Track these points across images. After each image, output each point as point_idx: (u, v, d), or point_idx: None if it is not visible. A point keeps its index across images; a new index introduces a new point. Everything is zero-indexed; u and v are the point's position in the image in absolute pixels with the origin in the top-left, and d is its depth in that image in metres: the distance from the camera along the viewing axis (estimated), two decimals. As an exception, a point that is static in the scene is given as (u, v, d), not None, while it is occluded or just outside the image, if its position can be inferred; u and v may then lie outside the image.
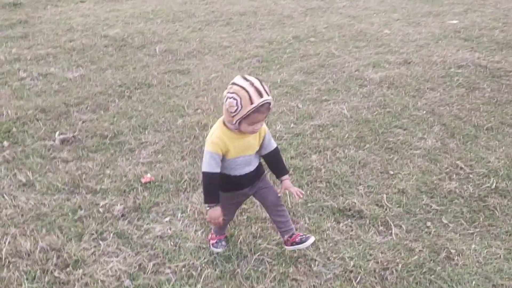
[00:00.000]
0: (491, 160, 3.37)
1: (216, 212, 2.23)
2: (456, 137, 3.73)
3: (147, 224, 2.77)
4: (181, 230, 2.72)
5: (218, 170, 2.18)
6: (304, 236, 2.36)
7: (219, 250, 2.53)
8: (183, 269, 2.41)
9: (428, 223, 2.76)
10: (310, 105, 4.43)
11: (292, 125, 4.04)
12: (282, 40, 6.48)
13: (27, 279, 2.31)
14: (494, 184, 3.09)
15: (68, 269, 2.38)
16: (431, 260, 2.46)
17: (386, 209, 2.89)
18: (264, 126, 2.26)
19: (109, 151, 3.57)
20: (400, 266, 2.40)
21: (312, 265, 2.44)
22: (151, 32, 6.79)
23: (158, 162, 3.44)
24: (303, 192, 2.39)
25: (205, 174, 2.18)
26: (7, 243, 2.54)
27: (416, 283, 2.31)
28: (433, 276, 2.35)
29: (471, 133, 3.77)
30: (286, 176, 2.39)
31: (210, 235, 2.60)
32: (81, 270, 2.38)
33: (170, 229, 2.73)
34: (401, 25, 7.09)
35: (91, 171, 3.28)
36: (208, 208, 2.26)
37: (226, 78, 5.11)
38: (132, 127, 3.95)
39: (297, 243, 2.35)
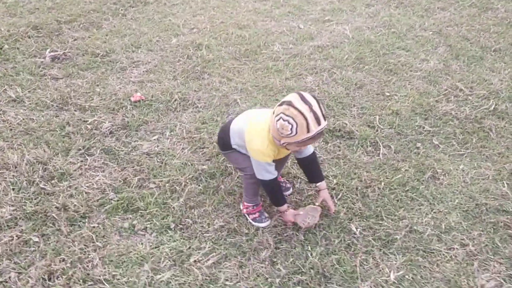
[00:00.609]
0: (494, 82, 3.23)
1: (289, 215, 2.13)
2: (460, 58, 3.56)
3: (135, 141, 2.76)
4: (168, 148, 2.71)
5: (276, 174, 2.05)
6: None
7: (264, 224, 2.20)
8: (167, 184, 2.43)
9: (418, 144, 2.70)
10: (311, 26, 4.24)
11: (290, 45, 3.89)
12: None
13: (13, 189, 2.35)
14: (493, 106, 2.98)
15: (53, 181, 2.41)
16: (415, 179, 2.43)
17: (377, 130, 2.82)
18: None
19: (100, 69, 3.50)
20: (382, 184, 2.38)
21: (295, 183, 2.43)
22: None
23: (149, 81, 3.37)
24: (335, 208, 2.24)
25: (267, 182, 2.04)
26: (-6, 155, 2.56)
27: (397, 200, 2.30)
28: (415, 194, 2.33)
29: (477, 55, 3.59)
30: (324, 184, 2.19)
31: (244, 208, 2.25)
32: (66, 183, 2.41)
33: (157, 146, 2.72)
34: None
35: (80, 89, 3.23)
36: (279, 214, 2.17)
37: (226, -3, 4.88)
38: (124, 45, 3.84)
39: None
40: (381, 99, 3.14)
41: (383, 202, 2.29)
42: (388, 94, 3.18)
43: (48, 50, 3.72)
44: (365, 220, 2.20)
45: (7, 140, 2.71)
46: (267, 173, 2.03)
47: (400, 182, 2.40)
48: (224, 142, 2.18)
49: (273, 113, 1.89)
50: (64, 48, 3.77)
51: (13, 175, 2.43)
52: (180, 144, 2.75)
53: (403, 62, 3.54)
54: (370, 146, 2.70)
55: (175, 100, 3.14)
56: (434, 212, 2.24)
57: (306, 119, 1.78)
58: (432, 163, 2.53)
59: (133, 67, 3.57)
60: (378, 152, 2.66)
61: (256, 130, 2.01)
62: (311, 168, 2.19)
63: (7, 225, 2.15)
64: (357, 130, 2.81)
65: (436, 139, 2.74)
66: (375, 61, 3.57)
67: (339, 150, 2.67)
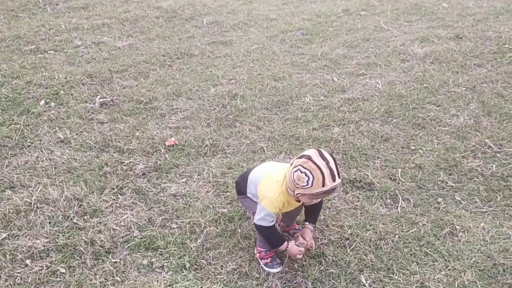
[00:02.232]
0: (524, 140, 3.17)
1: (293, 249, 2.21)
2: (492, 115, 3.53)
3: (164, 183, 2.95)
4: (194, 191, 2.87)
5: (273, 223, 2.17)
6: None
7: (276, 270, 2.26)
8: (188, 225, 2.56)
9: (439, 199, 2.68)
10: (345, 79, 4.37)
11: (321, 97, 4.02)
12: (331, 13, 6.35)
13: (49, 222, 2.57)
14: (522, 165, 2.92)
15: (85, 217, 2.62)
16: (432, 234, 2.41)
17: (398, 183, 2.84)
18: None
19: (141, 115, 3.78)
20: (397, 237, 2.38)
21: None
22: (202, 4, 6.93)
23: (184, 127, 3.60)
24: (314, 248, 2.31)
25: (263, 229, 2.15)
26: (38, 190, 2.82)
27: (411, 255, 2.29)
28: (430, 249, 2.31)
29: (511, 112, 3.55)
30: (311, 226, 2.30)
31: (257, 252, 2.32)
32: (97, 219, 2.61)
33: (184, 189, 2.89)
34: (462, -2, 6.66)
35: (122, 133, 3.51)
36: (285, 251, 2.24)
37: (266, 50, 5.15)
38: (167, 94, 4.14)
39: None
40: (405, 153, 3.16)
41: (396, 255, 2.29)
42: (413, 147, 3.21)
43: (98, 96, 4.08)
44: (375, 272, 2.21)
45: (51, 177, 2.98)
46: (265, 221, 2.13)
47: (415, 236, 2.39)
48: (240, 188, 2.31)
49: (291, 164, 2.03)
50: (112, 95, 4.11)
51: (51, 210, 2.67)
52: (205, 187, 2.90)
53: (432, 117, 3.56)
54: (389, 198, 2.72)
55: (206, 146, 3.33)
56: (449, 269, 2.21)
57: (322, 173, 1.92)
58: (452, 219, 2.51)
59: (172, 114, 3.82)
60: (396, 205, 2.67)
61: (271, 181, 2.16)
62: (314, 212, 2.32)
63: (39, 256, 2.35)
64: (378, 182, 2.85)
65: (458, 195, 2.71)
66: (404, 115, 3.62)
67: (358, 201, 2.71)
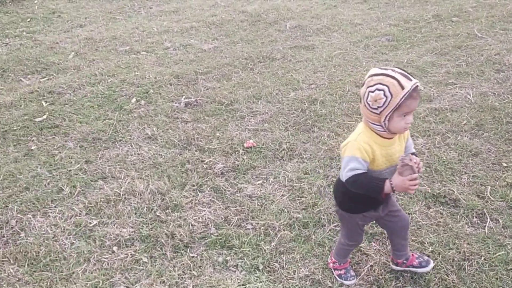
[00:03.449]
0: None
1: (399, 181, 1.77)
2: None
3: (241, 183, 3.02)
4: (269, 193, 2.90)
5: (362, 169, 1.80)
6: (423, 260, 2.19)
7: (350, 282, 2.18)
8: (262, 227, 2.60)
9: (533, 223, 2.48)
10: (432, 88, 4.18)
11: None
12: (420, 19, 6.11)
13: (135, 213, 2.74)
14: None
15: (167, 211, 2.76)
16: (523, 260, 2.23)
17: (487, 201, 2.67)
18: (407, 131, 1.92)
19: (222, 116, 3.90)
20: (482, 259, 2.24)
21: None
22: (286, 9, 6.99)
23: (263, 130, 3.65)
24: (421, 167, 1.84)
25: (354, 178, 1.78)
26: (126, 183, 3.02)
27: (497, 279, 2.14)
28: (519, 276, 2.14)
29: None
30: None
31: (331, 262, 2.26)
32: (177, 214, 2.73)
33: (260, 191, 2.93)
34: None
35: (204, 132, 3.64)
36: (387, 191, 1.82)
37: (348, 56, 5.08)
38: (247, 96, 4.23)
39: (415, 267, 2.18)
40: (496, 169, 2.95)
41: (480, 278, 2.15)
42: (505, 164, 2.99)
43: (183, 96, 4.27)
44: (457, 294, 2.09)
45: (138, 171, 3.18)
46: (353, 171, 1.77)
47: (503, 259, 2.23)
48: (335, 196, 2.13)
49: (362, 98, 1.79)
50: (196, 96, 4.29)
51: (137, 201, 2.84)
52: (281, 191, 2.92)
53: (529, 132, 3.29)
54: (476, 217, 2.56)
55: (283, 150, 3.35)
56: (541, 300, 2.03)
57: (394, 77, 1.68)
58: (547, 245, 2.31)
59: (251, 116, 3.90)
60: (484, 224, 2.50)
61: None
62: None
63: (125, 244, 2.52)
64: (464, 199, 2.69)
65: (556, 220, 2.49)
66: (496, 129, 3.38)
67: (441, 217, 2.58)
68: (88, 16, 7.04)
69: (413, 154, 1.90)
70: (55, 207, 2.83)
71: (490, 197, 2.70)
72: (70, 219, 2.71)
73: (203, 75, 4.79)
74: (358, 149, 1.78)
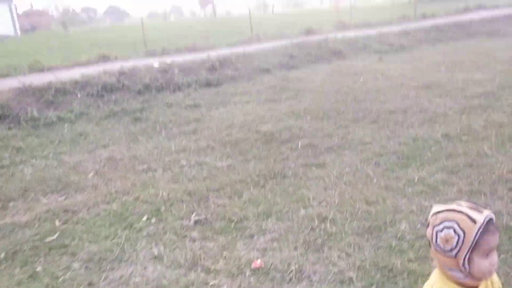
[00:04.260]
0: None
1: None
2: None
3: (246, 308, 2.87)
4: (275, 320, 2.74)
5: None
6: None
7: None
8: None
9: None
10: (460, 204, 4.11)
11: (418, 225, 3.80)
12: (429, 137, 6.25)
13: None
14: None
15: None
16: None
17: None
18: (496, 277, 1.70)
19: (231, 234, 3.87)
20: None
21: None
22: (298, 128, 7.28)
23: (272, 249, 3.58)
24: None
25: None
26: (126, 305, 2.92)
27: None
28: None
29: None
30: None
31: None
32: None
33: (265, 316, 2.78)
34: None
35: (211, 251, 3.59)
36: None
37: (359, 173, 5.13)
38: (257, 213, 4.23)
39: None
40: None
41: None
42: (528, 290, 2.80)
43: (193, 214, 4.30)
44: None
45: (141, 293, 3.08)
46: None
47: None
48: None
49: (431, 241, 1.62)
50: (207, 213, 4.31)
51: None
52: (288, 318, 2.76)
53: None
54: None
55: (291, 271, 3.24)
56: None
57: (462, 211, 1.52)
58: None
59: (261, 234, 3.85)
60: None
61: None
62: None
63: None
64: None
65: None
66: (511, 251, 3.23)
67: None
68: (112, 137, 7.45)
69: None
70: (50, 332, 2.71)
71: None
72: None
73: (215, 192, 4.86)
74: None
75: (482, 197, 4.23)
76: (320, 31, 17.79)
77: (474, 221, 1.50)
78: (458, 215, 1.53)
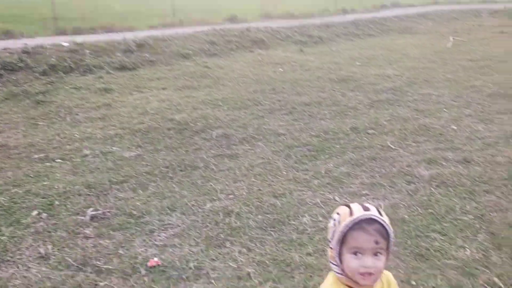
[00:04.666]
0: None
1: None
2: (503, 249, 3.25)
3: (137, 311, 2.70)
4: (167, 322, 2.60)
5: None
6: None
7: None
8: None
9: None
10: (347, 199, 4.22)
11: (320, 218, 3.84)
12: (339, 130, 6.41)
13: None
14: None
15: None
16: None
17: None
18: (393, 279, 1.65)
19: (130, 230, 3.65)
20: None
21: None
22: (214, 118, 7.13)
23: (172, 245, 3.43)
24: None
25: None
26: (-1, 314, 2.61)
27: None
28: None
29: (524, 249, 3.26)
30: None
31: None
32: None
33: (156, 319, 2.63)
34: (472, 121, 6.66)
35: (105, 250, 3.35)
36: None
37: (270, 165, 5.12)
38: (161, 207, 4.04)
39: None
40: (405, 288, 2.87)
41: None
42: (414, 283, 2.92)
43: (90, 209, 4.00)
44: None
45: (18, 298, 2.78)
46: None
47: None
48: None
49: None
50: (105, 207, 4.03)
51: (6, 338, 2.43)
52: (180, 320, 2.63)
53: (436, 247, 3.30)
54: None
55: (190, 269, 3.12)
56: None
57: (350, 207, 1.51)
58: None
59: (162, 230, 3.68)
60: None
61: None
62: None
63: None
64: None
65: None
66: (406, 243, 3.37)
67: None
68: (8, 122, 6.79)
69: None
70: None
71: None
72: None
73: (118, 185, 4.58)
74: None
75: (382, 190, 4.39)
76: (245, 20, 17.68)
77: (351, 214, 1.48)
78: (344, 208, 1.53)
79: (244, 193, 4.36)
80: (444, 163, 4.97)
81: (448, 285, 2.86)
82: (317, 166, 5.09)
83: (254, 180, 4.71)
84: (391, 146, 5.65)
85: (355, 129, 6.45)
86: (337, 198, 4.24)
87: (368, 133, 6.24)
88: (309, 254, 3.28)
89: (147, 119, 7.09)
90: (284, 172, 4.93)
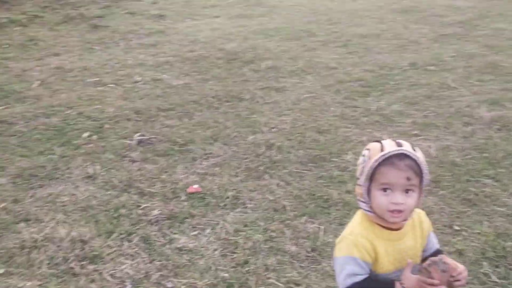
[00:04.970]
0: None
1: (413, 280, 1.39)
2: (560, 200, 3.00)
3: (174, 234, 2.80)
4: (202, 246, 2.69)
5: (364, 272, 1.42)
6: None
7: None
8: (183, 287, 2.37)
9: (476, 298, 2.25)
10: (395, 138, 4.02)
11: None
12: (396, 66, 6.03)
13: (48, 263, 2.51)
14: None
15: (84, 262, 2.53)
16: None
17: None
18: (426, 218, 1.60)
19: (173, 157, 3.72)
20: None
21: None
22: (264, 49, 6.93)
23: (212, 174, 3.46)
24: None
25: None
26: (49, 227, 2.81)
27: None
28: None
29: None
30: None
31: None
32: (94, 266, 2.51)
33: (192, 243, 2.72)
34: (548, 59, 6.03)
35: (148, 173, 3.45)
36: None
37: (317, 100, 4.96)
38: (204, 137, 4.06)
39: None
40: (447, 232, 2.75)
41: None
42: (457, 228, 2.79)
43: (137, 134, 4.10)
44: None
45: (66, 214, 2.97)
46: (351, 277, 1.39)
47: None
48: None
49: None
50: (152, 134, 4.11)
51: (54, 250, 2.62)
52: (214, 244, 2.71)
53: (487, 193, 3.11)
54: None
55: (227, 197, 3.16)
56: None
57: (381, 143, 1.44)
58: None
59: (204, 158, 3.72)
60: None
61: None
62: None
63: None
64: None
65: (500, 295, 2.27)
66: (453, 187, 3.20)
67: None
68: (65, 45, 6.97)
69: (437, 251, 1.56)
70: (-37, 251, 2.60)
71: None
72: (-24, 266, 2.48)
73: (165, 112, 4.64)
74: (354, 246, 1.41)
75: (435, 130, 4.15)
76: None
77: (382, 149, 1.41)
78: (375, 144, 1.46)
79: (288, 127, 4.28)
80: (509, 105, 4.57)
81: (494, 232, 2.72)
82: (367, 103, 4.86)
83: (299, 114, 4.59)
84: (452, 84, 5.26)
85: (414, 64, 6.03)
86: (385, 137, 4.05)
87: (428, 70, 5.83)
88: (348, 192, 3.20)
89: (198, 48, 7.02)
90: (331, 108, 4.76)
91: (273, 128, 4.27)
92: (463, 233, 2.74)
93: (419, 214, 1.58)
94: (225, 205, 3.09)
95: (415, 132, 4.14)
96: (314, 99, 4.98)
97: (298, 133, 4.12)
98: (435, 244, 1.60)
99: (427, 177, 1.43)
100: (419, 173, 1.41)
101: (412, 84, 5.37)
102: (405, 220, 1.46)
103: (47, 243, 2.66)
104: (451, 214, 2.92)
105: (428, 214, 2.84)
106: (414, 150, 1.43)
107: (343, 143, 3.94)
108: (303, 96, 5.05)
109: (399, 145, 1.43)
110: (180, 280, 2.42)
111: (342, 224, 2.81)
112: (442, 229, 2.79)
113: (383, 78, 5.60)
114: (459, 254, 2.56)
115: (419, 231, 1.54)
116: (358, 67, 6.01)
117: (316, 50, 6.94)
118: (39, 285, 2.36)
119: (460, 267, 1.44)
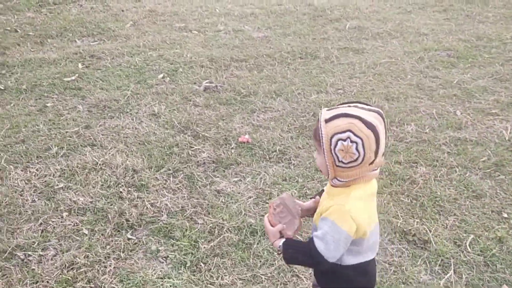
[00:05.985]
0: None
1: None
2: None
3: (216, 177, 2.96)
4: (238, 192, 2.82)
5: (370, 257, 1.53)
6: None
7: None
8: (211, 225, 2.53)
9: (502, 289, 2.13)
10: (469, 115, 3.75)
11: (427, 130, 3.52)
12: (497, 38, 5.48)
13: (101, 185, 2.81)
14: None
15: (130, 189, 2.79)
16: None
17: (461, 251, 2.34)
18: (328, 204, 1.48)
19: (233, 107, 3.84)
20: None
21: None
22: (354, 7, 6.66)
23: (266, 127, 3.54)
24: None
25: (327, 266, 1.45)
26: (109, 154, 3.11)
27: None
28: None
29: None
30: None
31: None
32: (139, 193, 2.76)
33: (231, 188, 2.86)
34: None
35: (207, 119, 3.62)
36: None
37: (396, 66, 4.72)
38: (268, 91, 4.11)
39: None
40: (493, 218, 2.58)
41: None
42: (506, 215, 2.59)
43: (206, 80, 4.27)
44: None
45: (127, 144, 3.25)
46: (336, 251, 1.41)
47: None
48: None
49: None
50: (219, 82, 4.26)
51: (109, 174, 2.91)
52: (250, 192, 2.82)
53: (553, 186, 2.82)
54: (439, 265, 2.26)
55: (274, 151, 3.22)
56: None
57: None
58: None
59: (262, 111, 3.79)
60: (444, 275, 2.20)
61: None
62: None
63: (77, 212, 2.60)
64: (436, 242, 2.39)
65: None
66: (515, 174, 2.94)
67: (399, 256, 2.31)
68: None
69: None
70: (37, 163, 3.00)
71: (468, 247, 2.36)
72: (44, 178, 2.86)
73: (237, 63, 4.74)
74: (352, 220, 1.41)
75: (518, 112, 3.77)
76: None
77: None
78: (368, 132, 1.33)
79: (355, 90, 4.17)
80: None
81: (546, 228, 2.49)
82: (450, 74, 4.53)
83: (371, 79, 4.43)
84: (555, 63, 4.68)
85: (517, 38, 5.43)
86: (458, 113, 3.80)
87: (532, 45, 5.22)
88: (398, 162, 3.10)
89: (286, 1, 6.95)
90: (408, 76, 4.51)
91: (339, 89, 4.19)
92: (511, 221, 2.54)
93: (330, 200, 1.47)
94: (270, 158, 3.16)
95: (495, 111, 3.80)
96: (392, 64, 4.75)
97: (365, 98, 4.00)
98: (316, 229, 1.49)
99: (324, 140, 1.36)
100: (318, 137, 1.38)
101: (509, 59, 4.86)
102: (327, 177, 1.45)
103: (105, 168, 2.96)
104: (504, 201, 2.71)
105: (478, 197, 2.70)
106: (328, 112, 1.38)
107: (408, 113, 3.76)
108: (382, 60, 4.83)
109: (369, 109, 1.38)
110: (210, 219, 2.58)
111: (380, 193, 2.76)
112: (489, 214, 2.62)
113: (477, 49, 5.14)
114: (499, 241, 2.40)
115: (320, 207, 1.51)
116: (452, 36, 5.56)
117: (410, 13, 6.52)
118: (90, 201, 2.67)
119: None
